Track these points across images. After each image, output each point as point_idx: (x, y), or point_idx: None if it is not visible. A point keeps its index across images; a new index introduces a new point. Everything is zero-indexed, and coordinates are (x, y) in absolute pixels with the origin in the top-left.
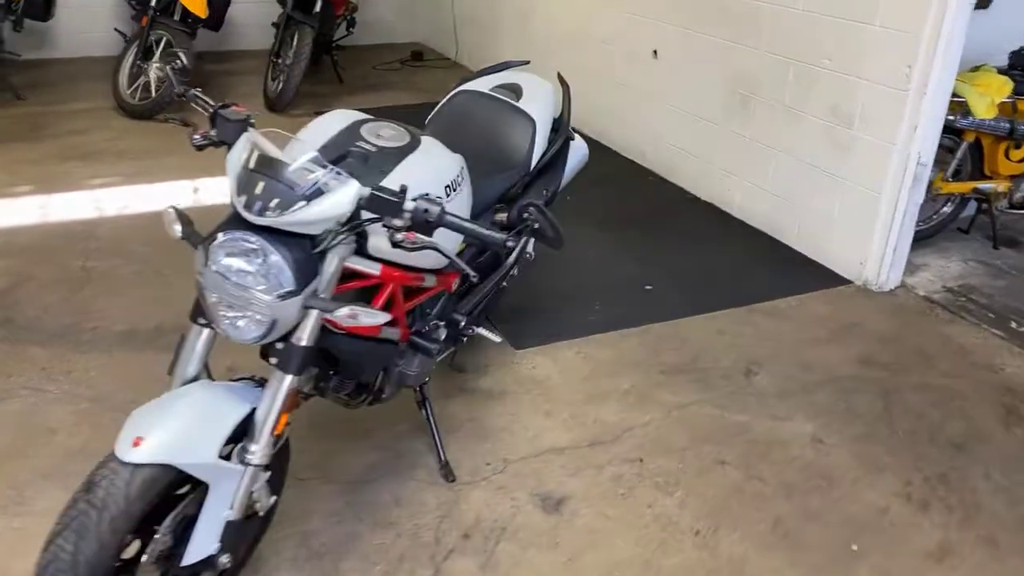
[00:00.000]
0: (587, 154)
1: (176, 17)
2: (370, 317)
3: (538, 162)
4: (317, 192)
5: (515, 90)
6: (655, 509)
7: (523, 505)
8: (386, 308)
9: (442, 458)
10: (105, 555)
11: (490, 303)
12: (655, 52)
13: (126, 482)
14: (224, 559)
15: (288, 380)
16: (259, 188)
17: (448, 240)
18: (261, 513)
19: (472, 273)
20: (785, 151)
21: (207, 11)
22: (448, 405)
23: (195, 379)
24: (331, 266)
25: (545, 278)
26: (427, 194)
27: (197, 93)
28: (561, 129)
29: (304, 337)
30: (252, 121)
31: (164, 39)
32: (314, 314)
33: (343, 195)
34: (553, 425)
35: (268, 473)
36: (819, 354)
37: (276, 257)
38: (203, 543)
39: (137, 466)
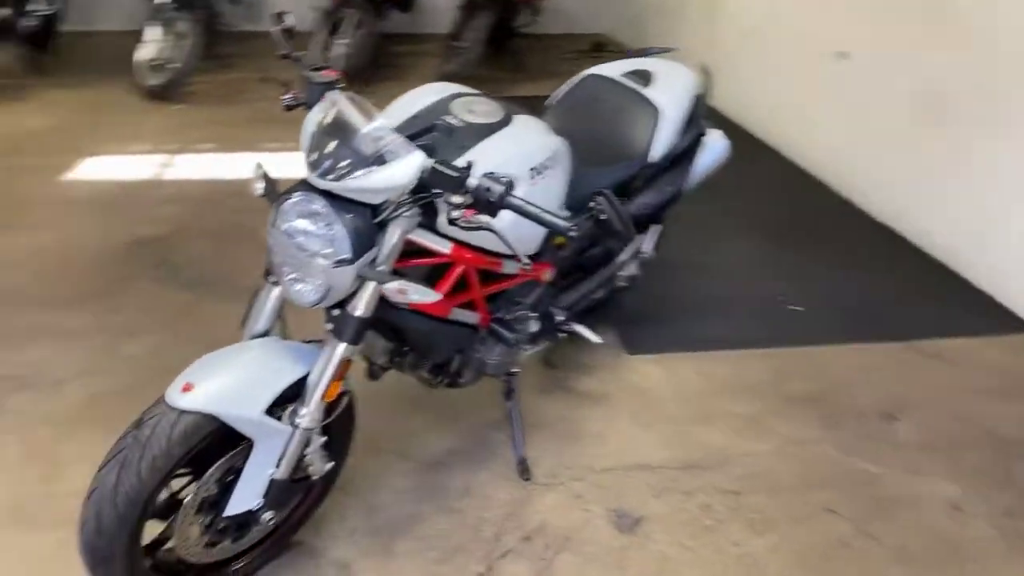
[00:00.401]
0: (726, 151)
1: None
2: (419, 295)
3: (664, 155)
4: (380, 160)
5: (646, 77)
6: (741, 548)
7: (595, 518)
8: (457, 289)
9: (519, 454)
10: (143, 491)
11: (602, 302)
12: (844, 54)
13: (171, 424)
14: (267, 515)
15: (341, 348)
16: (328, 149)
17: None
18: (315, 477)
19: (526, 262)
20: (982, 171)
21: None
22: (542, 401)
23: (264, 335)
24: (392, 238)
25: (675, 283)
26: (492, 173)
27: (296, 55)
28: (694, 122)
29: (359, 307)
30: (339, 85)
31: (356, 17)
32: (371, 285)
33: (405, 165)
34: (649, 440)
35: (323, 439)
36: (981, 408)
37: (337, 223)
38: (245, 497)
39: (183, 412)
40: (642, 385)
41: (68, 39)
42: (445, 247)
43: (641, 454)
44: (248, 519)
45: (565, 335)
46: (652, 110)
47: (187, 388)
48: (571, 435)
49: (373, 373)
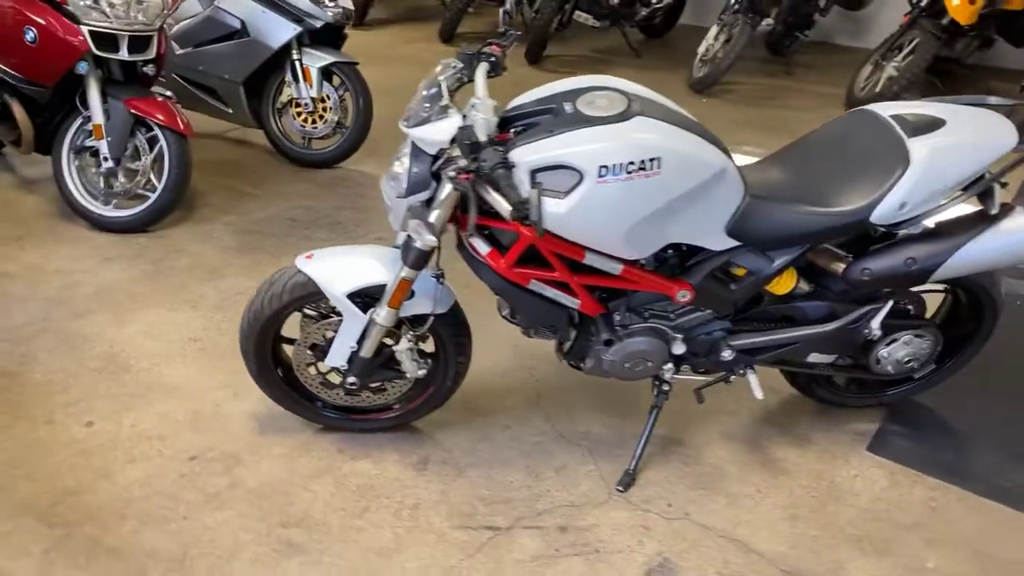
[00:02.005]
0: None
1: (943, 21)
2: (420, 238)
3: (898, 217)
4: (429, 120)
5: (932, 125)
6: None
7: (640, 553)
8: (541, 264)
9: (630, 466)
10: (263, 315)
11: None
12: None
13: (290, 277)
14: (350, 379)
15: (402, 270)
16: (416, 103)
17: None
18: (408, 375)
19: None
20: None
21: (973, 20)
22: (700, 430)
23: None
24: (444, 189)
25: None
26: (498, 147)
27: (513, 32)
28: (979, 191)
29: (416, 239)
30: (491, 58)
31: (915, 41)
32: (415, 222)
33: (444, 124)
34: (783, 530)
35: (413, 344)
36: None
37: (404, 162)
38: (335, 357)
39: (298, 271)
40: (836, 480)
41: (683, 31)
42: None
43: (756, 539)
44: (348, 383)
45: (730, 375)
46: (900, 161)
47: (308, 258)
48: (704, 482)
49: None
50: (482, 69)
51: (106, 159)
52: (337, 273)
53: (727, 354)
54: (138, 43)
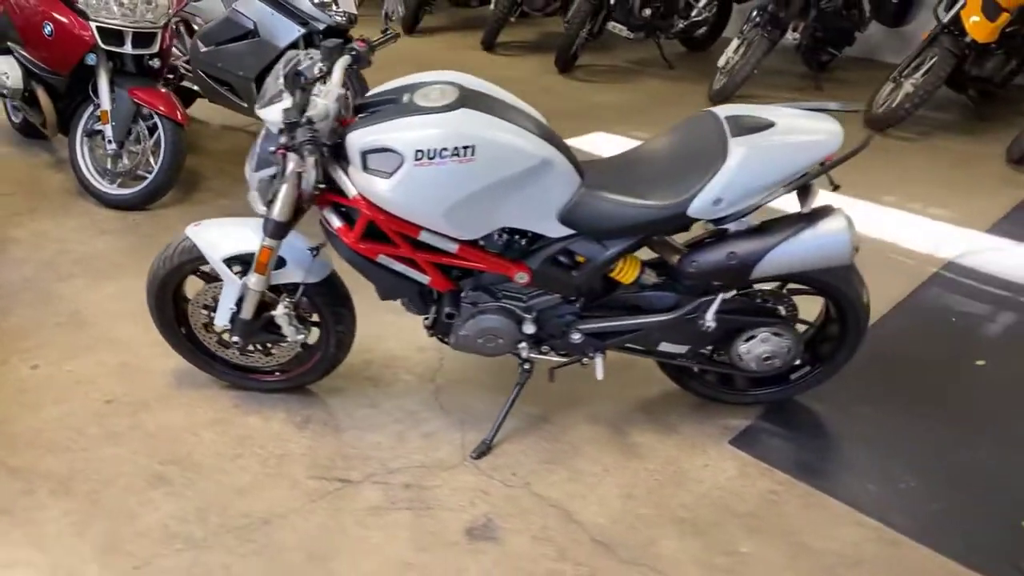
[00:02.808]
0: (844, 247)
1: (965, 39)
2: (255, 208)
3: (713, 212)
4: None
5: (760, 126)
6: None
7: (467, 514)
8: (384, 241)
9: (488, 437)
10: (158, 275)
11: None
12: None
13: (179, 243)
14: (233, 339)
15: (263, 240)
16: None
17: (429, 201)
18: (289, 338)
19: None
20: None
21: (992, 38)
22: (572, 411)
23: None
24: (288, 166)
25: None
26: (311, 123)
27: (392, 33)
28: (794, 186)
29: (272, 211)
30: (340, 48)
31: (934, 59)
32: (253, 193)
33: (276, 106)
34: (614, 506)
35: (288, 309)
36: None
37: (258, 142)
38: (221, 317)
39: (186, 236)
40: (691, 470)
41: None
42: (351, 192)
43: (583, 512)
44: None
45: (582, 357)
46: (719, 159)
47: (197, 225)
48: (556, 457)
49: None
50: (343, 61)
51: (110, 142)
52: (216, 240)
53: (576, 337)
54: (143, 39)
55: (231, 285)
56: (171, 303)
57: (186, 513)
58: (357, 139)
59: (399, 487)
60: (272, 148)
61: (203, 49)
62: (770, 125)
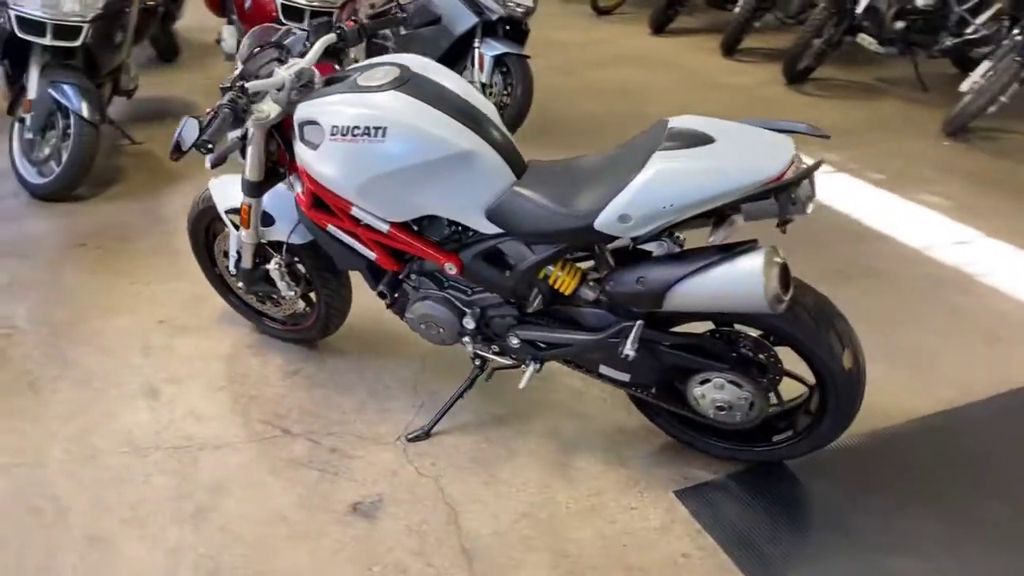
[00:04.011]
0: (755, 291)
1: None
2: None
3: (618, 229)
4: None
5: (697, 141)
6: None
7: (366, 487)
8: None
9: (429, 424)
10: (192, 215)
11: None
12: None
13: (204, 191)
14: (238, 283)
15: (242, 198)
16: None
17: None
18: (283, 293)
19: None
20: None
21: None
22: (537, 420)
23: None
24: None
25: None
26: (243, 89)
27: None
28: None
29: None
30: (327, 25)
31: None
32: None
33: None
34: (505, 521)
35: (275, 264)
36: None
37: None
38: (231, 261)
39: (207, 188)
40: (609, 509)
41: None
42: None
43: (472, 518)
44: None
45: (520, 363)
46: (634, 172)
47: (219, 177)
48: (485, 460)
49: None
50: (326, 39)
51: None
52: (224, 193)
53: (515, 341)
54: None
55: (233, 235)
56: (203, 244)
57: (148, 425)
58: (298, 111)
59: (326, 449)
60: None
61: (402, 33)
62: (708, 141)
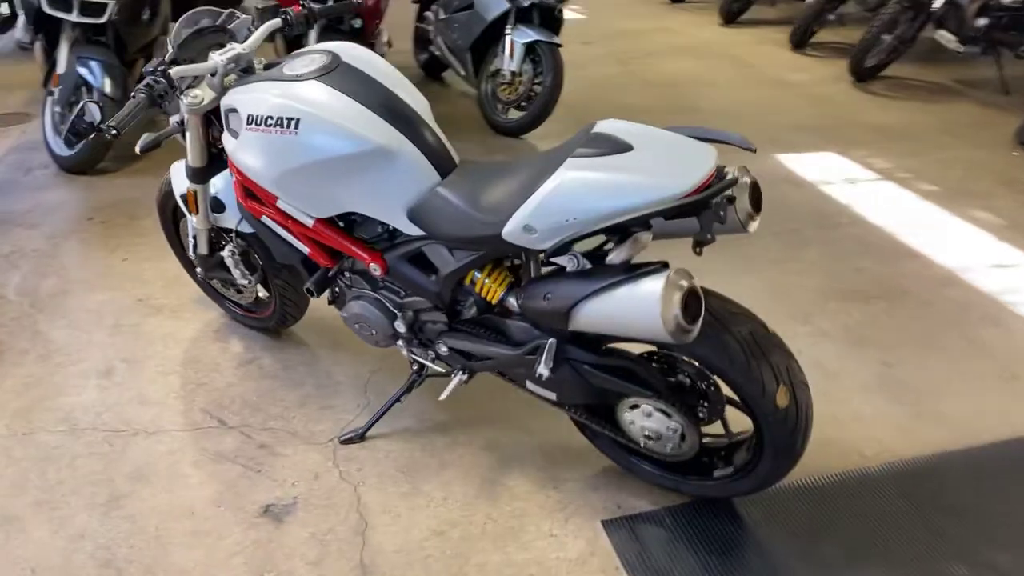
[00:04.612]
0: (652, 318)
1: None
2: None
3: (533, 245)
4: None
5: (614, 148)
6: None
7: (284, 487)
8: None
9: (363, 428)
10: (158, 207)
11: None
12: None
13: (165, 179)
14: (196, 268)
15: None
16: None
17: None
18: (239, 281)
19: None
20: None
21: None
22: (480, 431)
23: None
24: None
25: None
26: (163, 72)
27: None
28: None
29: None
30: (272, 10)
31: None
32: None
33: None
34: (415, 537)
35: (229, 251)
36: None
37: None
38: (189, 247)
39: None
40: (525, 533)
41: None
42: (220, 145)
43: (381, 529)
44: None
45: (450, 372)
46: (541, 179)
47: (180, 161)
48: (413, 470)
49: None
50: (270, 24)
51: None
52: (179, 177)
53: (444, 349)
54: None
55: (190, 220)
56: (172, 225)
57: (92, 405)
58: (224, 98)
59: (255, 445)
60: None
61: (441, 16)
62: (626, 149)
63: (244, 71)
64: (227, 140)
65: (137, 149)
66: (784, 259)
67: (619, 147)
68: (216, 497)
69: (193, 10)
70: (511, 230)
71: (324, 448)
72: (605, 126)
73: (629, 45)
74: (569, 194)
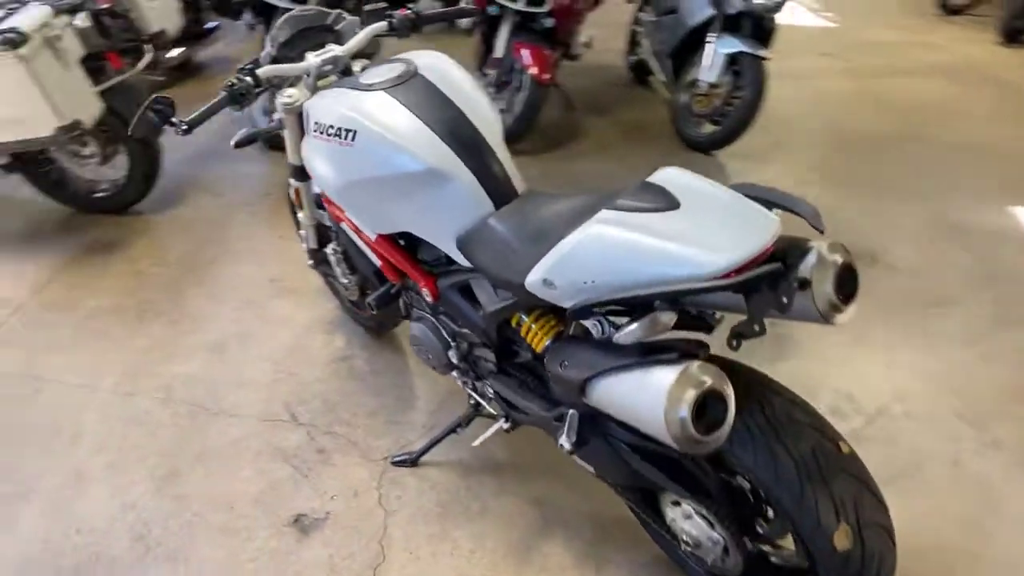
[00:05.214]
0: (656, 415)
1: None
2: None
3: (553, 299)
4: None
5: (656, 203)
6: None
7: (321, 500)
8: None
9: (416, 454)
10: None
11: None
12: None
13: None
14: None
15: None
16: None
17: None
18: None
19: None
20: None
21: None
22: (541, 480)
23: None
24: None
25: None
26: (252, 71)
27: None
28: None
29: None
30: (378, 13)
31: None
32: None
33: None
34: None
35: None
36: None
37: None
38: None
39: None
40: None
41: None
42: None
43: (397, 567)
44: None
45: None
46: (571, 228)
47: None
48: (453, 511)
49: None
50: (375, 27)
51: (489, 85)
52: None
53: (490, 391)
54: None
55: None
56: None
57: (193, 378)
58: (306, 102)
59: (313, 448)
60: None
61: (650, 18)
62: (671, 207)
63: (343, 74)
64: (304, 144)
65: (232, 143)
66: (979, 340)
67: (664, 203)
68: (258, 496)
69: (299, 9)
70: (532, 281)
71: (375, 466)
72: (663, 175)
73: (876, 60)
74: (590, 252)
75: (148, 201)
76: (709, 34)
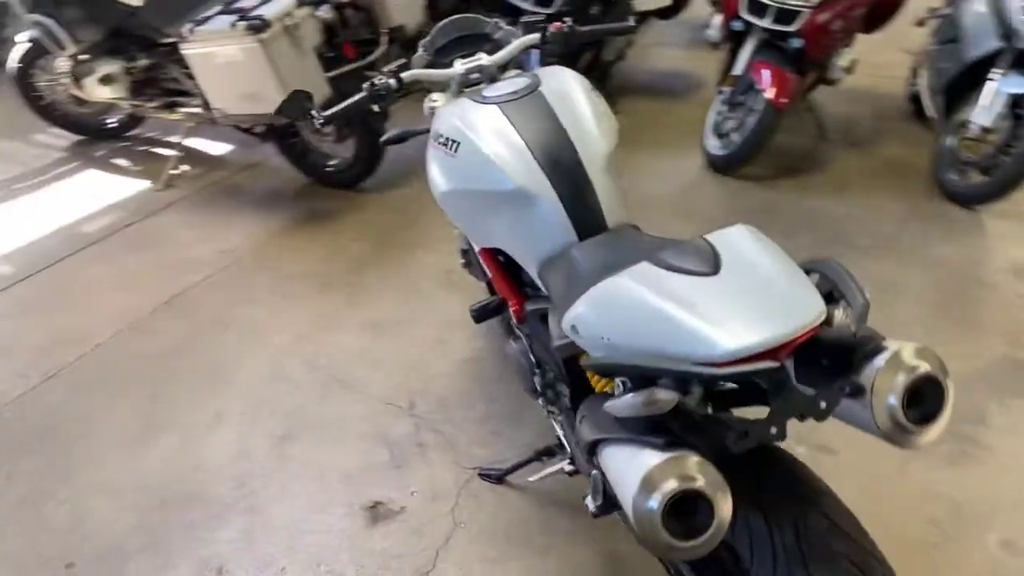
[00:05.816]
0: (627, 498)
1: None
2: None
3: (584, 348)
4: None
5: (695, 263)
6: None
7: (398, 502)
8: None
9: (503, 471)
10: None
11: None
12: None
13: None
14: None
15: None
16: None
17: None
18: None
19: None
20: None
21: None
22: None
23: None
24: None
25: None
26: (396, 74)
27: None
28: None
29: None
30: (532, 26)
31: None
32: None
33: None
34: None
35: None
36: None
37: None
38: None
39: None
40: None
41: None
42: None
43: None
44: None
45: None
46: (608, 272)
47: None
48: (529, 535)
49: None
50: (526, 39)
51: (723, 103)
52: None
53: (557, 427)
54: (784, 15)
55: None
56: None
57: (341, 351)
58: (438, 109)
59: (415, 442)
60: None
61: (930, 46)
62: (711, 271)
63: (491, 83)
64: (428, 148)
65: (380, 140)
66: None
67: (704, 266)
68: (350, 473)
69: (456, 16)
70: (565, 323)
71: (463, 473)
72: (723, 233)
73: None
74: (609, 306)
75: (374, 180)
76: (993, 70)
